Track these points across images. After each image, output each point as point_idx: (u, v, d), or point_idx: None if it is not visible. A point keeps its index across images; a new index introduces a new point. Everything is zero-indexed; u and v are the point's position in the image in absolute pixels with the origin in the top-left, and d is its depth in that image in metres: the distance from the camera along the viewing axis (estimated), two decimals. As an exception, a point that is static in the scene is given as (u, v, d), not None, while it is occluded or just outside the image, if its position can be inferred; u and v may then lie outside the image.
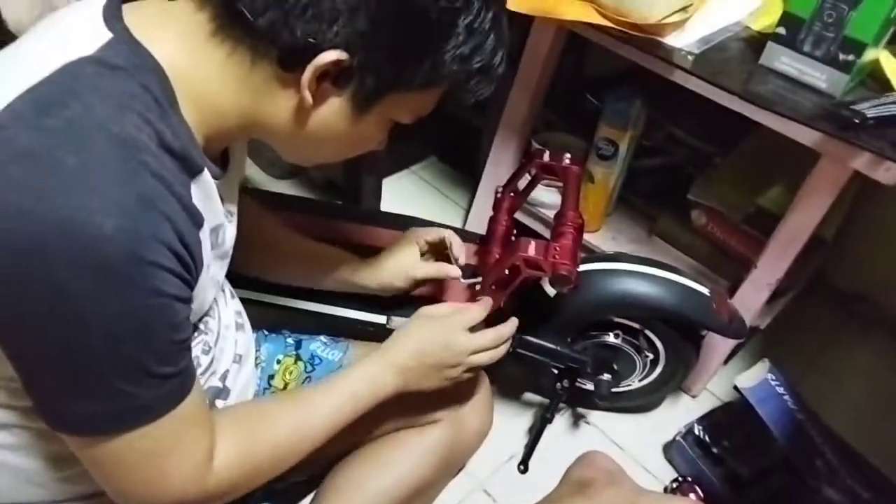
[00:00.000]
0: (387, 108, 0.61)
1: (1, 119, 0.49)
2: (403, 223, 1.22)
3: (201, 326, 0.72)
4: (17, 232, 0.48)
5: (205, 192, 0.59)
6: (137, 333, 0.53)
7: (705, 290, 1.05)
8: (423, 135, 1.77)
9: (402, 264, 0.96)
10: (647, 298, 1.01)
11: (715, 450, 1.15)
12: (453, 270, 0.94)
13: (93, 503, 0.69)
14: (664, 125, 1.41)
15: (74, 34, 0.54)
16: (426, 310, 0.86)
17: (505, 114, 1.35)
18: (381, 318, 1.01)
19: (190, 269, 0.56)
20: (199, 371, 0.68)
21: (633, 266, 1.05)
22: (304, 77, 0.55)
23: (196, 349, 0.71)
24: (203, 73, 0.57)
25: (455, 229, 1.03)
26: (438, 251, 0.98)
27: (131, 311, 0.51)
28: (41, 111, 0.49)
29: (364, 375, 0.78)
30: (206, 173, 0.59)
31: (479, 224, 1.51)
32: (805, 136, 0.93)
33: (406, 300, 1.00)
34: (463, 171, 1.78)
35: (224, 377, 0.78)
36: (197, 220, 0.56)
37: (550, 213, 1.37)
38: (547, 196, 1.35)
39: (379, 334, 0.89)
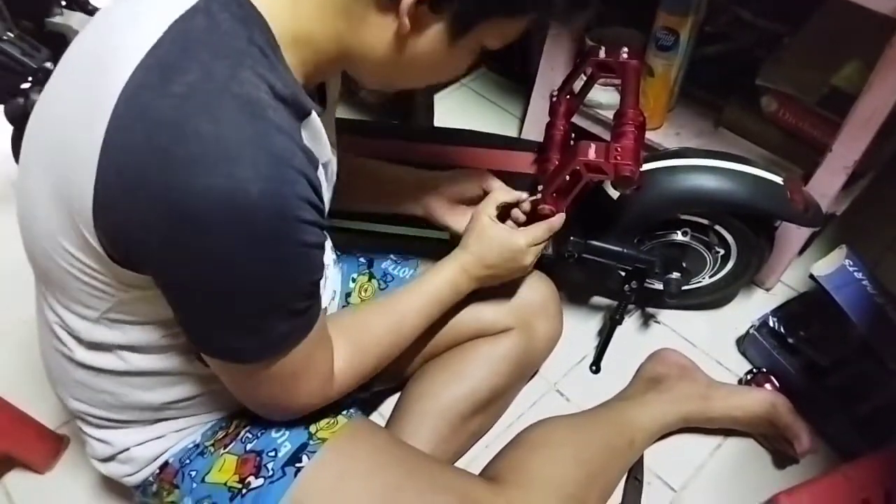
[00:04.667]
0: (480, 34, 0.61)
1: (129, 89, 0.52)
2: (460, 138, 1.21)
3: None
4: (171, 203, 0.51)
5: (313, 132, 0.62)
6: (287, 281, 0.59)
7: (778, 179, 1.01)
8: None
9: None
10: (716, 193, 0.98)
11: (791, 340, 1.13)
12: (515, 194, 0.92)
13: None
14: (727, 7, 1.32)
15: None
16: (483, 216, 0.88)
17: (555, 12, 1.30)
18: (444, 235, 1.03)
19: (322, 213, 0.60)
20: None
21: (700, 160, 1.01)
22: (404, 2, 0.55)
23: None
24: (304, 11, 0.58)
25: (510, 138, 1.01)
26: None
27: (283, 264, 0.57)
28: (163, 78, 0.52)
29: (443, 280, 0.85)
30: (313, 114, 0.61)
31: (535, 132, 1.48)
32: (881, 3, 0.86)
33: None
34: (514, 80, 1.74)
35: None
36: (315, 162, 0.59)
37: (609, 114, 1.33)
38: (604, 96, 1.31)
39: (444, 250, 0.91)
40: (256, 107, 0.53)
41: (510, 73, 1.75)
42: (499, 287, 0.96)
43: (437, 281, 0.85)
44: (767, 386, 1.09)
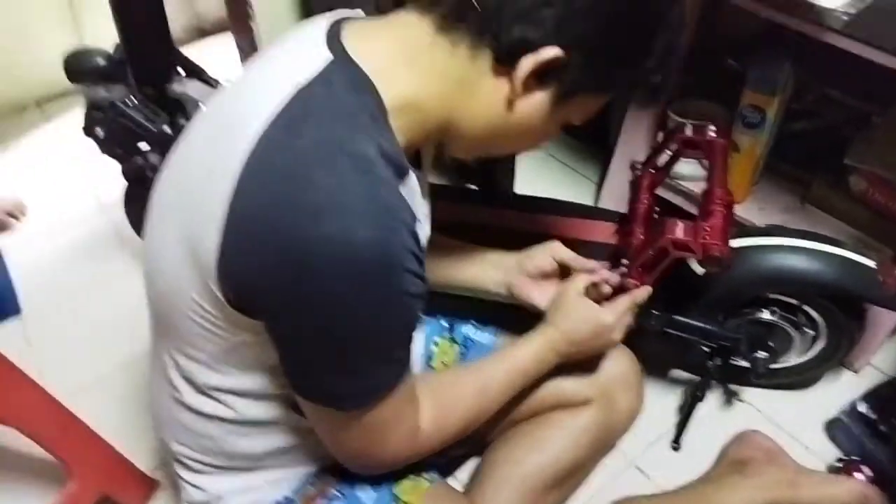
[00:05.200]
0: (573, 107, 0.65)
1: (258, 147, 0.58)
2: (542, 206, 1.24)
3: None
4: (287, 247, 0.56)
5: (410, 192, 0.65)
6: (389, 328, 0.62)
7: (870, 262, 0.99)
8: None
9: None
10: (805, 274, 0.98)
11: (883, 427, 1.09)
12: (590, 263, 0.93)
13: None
14: (815, 86, 1.32)
15: (301, 57, 0.62)
16: (571, 293, 0.88)
17: (639, 86, 1.32)
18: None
19: (423, 265, 0.63)
20: None
21: (789, 240, 1.01)
22: (521, 71, 0.60)
23: None
24: (418, 78, 0.63)
25: (591, 207, 1.03)
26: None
27: (387, 310, 0.60)
28: (290, 135, 0.58)
29: (530, 353, 0.86)
30: (412, 175, 0.66)
31: (612, 201, 1.49)
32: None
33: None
34: (592, 146, 1.76)
35: None
36: (416, 219, 0.63)
37: (692, 186, 1.34)
38: (687, 168, 1.32)
39: (523, 317, 0.92)
40: (367, 163, 0.58)
41: (587, 139, 1.78)
42: (583, 359, 0.97)
43: (524, 354, 0.86)
44: (859, 475, 1.05)
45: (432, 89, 0.63)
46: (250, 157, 0.57)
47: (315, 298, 0.58)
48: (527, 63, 0.59)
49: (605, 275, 0.91)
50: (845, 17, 0.91)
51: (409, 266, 0.59)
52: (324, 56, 0.61)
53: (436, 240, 0.96)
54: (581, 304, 0.88)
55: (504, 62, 0.60)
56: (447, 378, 0.84)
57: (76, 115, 1.28)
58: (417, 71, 0.62)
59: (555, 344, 0.87)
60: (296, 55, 0.63)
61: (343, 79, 0.60)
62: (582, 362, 0.97)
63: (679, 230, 0.89)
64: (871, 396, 1.12)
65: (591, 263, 0.93)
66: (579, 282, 0.89)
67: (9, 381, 0.91)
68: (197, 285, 0.63)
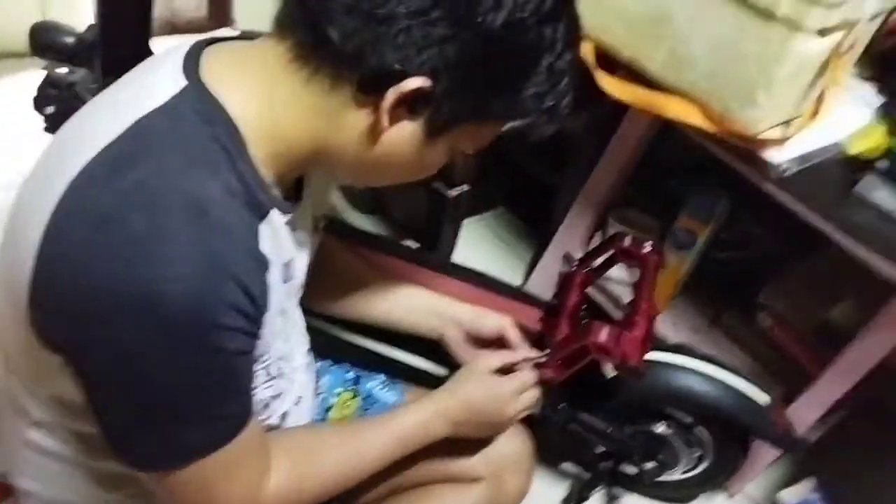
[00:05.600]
0: (455, 137, 0.62)
1: (78, 181, 0.53)
2: (476, 278, 1.25)
3: (274, 371, 0.73)
4: (94, 297, 0.52)
5: (273, 231, 0.61)
6: (199, 387, 0.57)
7: (766, 400, 1.05)
8: (495, 183, 1.81)
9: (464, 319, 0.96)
10: (708, 399, 1.02)
11: (746, 556, 1.14)
12: (522, 351, 0.93)
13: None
14: (742, 220, 1.42)
15: (154, 84, 0.57)
16: (481, 364, 0.88)
17: (587, 186, 1.38)
18: (443, 371, 1.04)
19: (256, 319, 0.58)
20: (262, 411, 0.72)
21: (696, 363, 1.06)
22: (386, 102, 0.56)
23: (266, 392, 0.72)
24: (278, 108, 0.58)
25: (523, 292, 1.05)
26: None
27: (196, 369, 0.55)
28: (113, 173, 0.53)
29: (415, 421, 0.82)
30: (273, 212, 0.60)
31: (540, 286, 1.53)
32: (890, 271, 0.94)
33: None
34: (530, 225, 1.81)
35: (283, 417, 0.79)
36: (265, 265, 0.58)
37: (616, 288, 1.40)
38: (614, 270, 1.37)
39: (436, 385, 0.92)
40: (203, 204, 0.53)
41: (528, 219, 1.82)
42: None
43: (410, 421, 0.81)
44: None
45: (292, 120, 0.59)
46: (67, 192, 0.53)
47: (122, 354, 0.53)
48: (391, 95, 0.55)
49: (524, 355, 0.92)
50: (787, 174, 0.99)
51: (226, 323, 0.54)
52: (178, 83, 0.56)
53: (386, 266, 0.94)
54: (487, 377, 0.87)
55: (367, 93, 0.56)
56: (314, 436, 0.78)
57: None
58: (276, 100, 0.58)
59: (448, 412, 0.84)
60: (148, 80, 0.58)
61: (193, 108, 0.55)
62: (477, 438, 0.97)
63: (603, 335, 0.91)
64: (740, 524, 1.18)
65: (532, 355, 0.92)
66: (495, 360, 0.89)
67: None
68: (14, 314, 0.58)
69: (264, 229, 0.59)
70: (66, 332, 0.55)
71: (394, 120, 0.58)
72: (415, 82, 0.55)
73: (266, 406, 0.74)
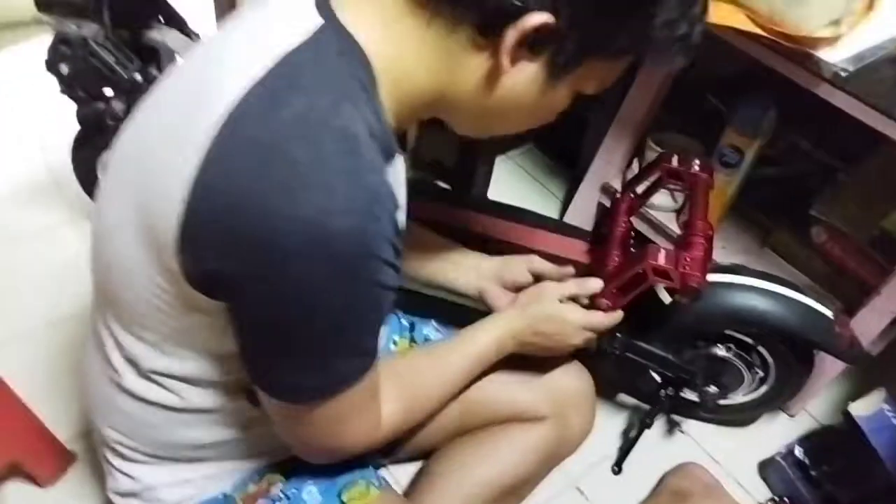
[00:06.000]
0: (579, 76, 0.59)
1: (233, 117, 0.52)
2: (515, 214, 1.22)
3: None
4: (256, 226, 0.51)
5: (395, 175, 0.60)
6: (357, 320, 0.58)
7: (829, 312, 1.02)
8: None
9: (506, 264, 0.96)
10: (770, 316, 0.99)
11: (814, 473, 1.12)
12: (568, 270, 0.95)
13: None
14: (789, 134, 1.36)
15: (289, 20, 0.56)
16: (550, 288, 0.89)
17: (621, 112, 1.33)
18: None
19: (400, 256, 0.59)
20: None
21: (755, 280, 1.02)
22: (505, 42, 0.53)
23: None
24: (401, 51, 0.57)
25: (564, 224, 1.03)
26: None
27: (356, 302, 0.56)
28: (272, 105, 0.52)
29: (489, 340, 0.84)
30: (399, 157, 0.60)
31: (577, 218, 1.50)
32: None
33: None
34: (559, 162, 1.77)
35: None
36: (398, 205, 0.58)
37: (660, 216, 1.36)
38: (658, 197, 1.33)
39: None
40: (353, 142, 0.53)
41: (557, 155, 1.78)
42: (539, 372, 0.96)
43: (484, 341, 0.84)
44: (789, 517, 1.08)
45: (414, 64, 0.57)
46: (223, 127, 0.52)
47: (282, 284, 0.53)
48: (511, 34, 0.53)
49: (589, 285, 0.91)
50: (843, 73, 0.93)
51: (385, 257, 0.55)
52: (314, 21, 0.55)
53: (412, 230, 0.94)
54: (555, 303, 0.87)
55: (486, 34, 0.54)
56: (409, 362, 0.81)
57: (27, 48, 1.17)
58: (401, 43, 0.57)
59: (516, 332, 0.86)
60: (283, 18, 0.58)
61: (333, 46, 0.55)
62: (540, 376, 0.96)
63: (662, 257, 0.88)
64: (807, 442, 1.16)
65: (569, 270, 0.94)
66: (561, 289, 0.89)
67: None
68: (151, 257, 0.58)
69: (389, 172, 0.58)
70: (223, 263, 0.54)
71: (514, 61, 0.56)
72: (536, 18, 0.52)
73: None
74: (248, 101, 0.52)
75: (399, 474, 1.06)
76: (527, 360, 0.97)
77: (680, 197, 1.36)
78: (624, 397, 1.26)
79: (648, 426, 1.12)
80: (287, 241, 0.51)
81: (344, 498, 0.77)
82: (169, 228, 0.54)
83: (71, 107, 1.18)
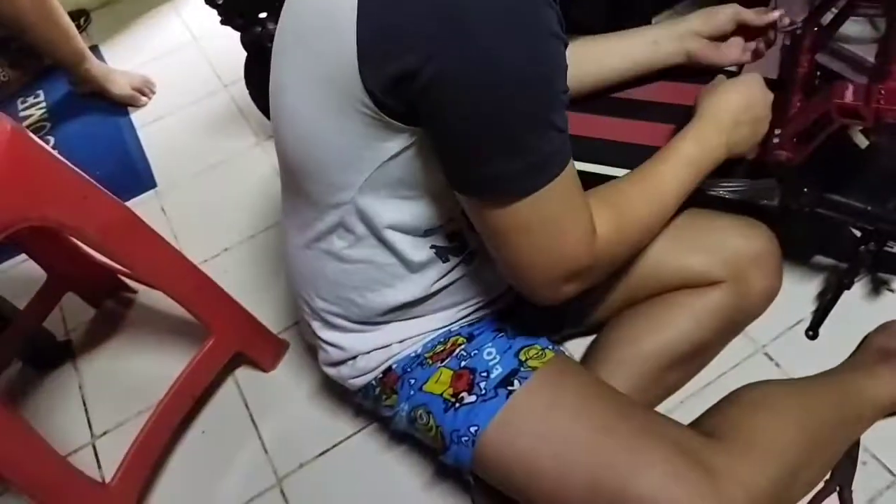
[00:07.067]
0: None
1: None
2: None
3: None
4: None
5: None
6: (542, 77, 0.58)
7: None
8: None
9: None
10: None
11: None
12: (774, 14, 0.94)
13: None
14: None
15: None
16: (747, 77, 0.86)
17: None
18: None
19: (563, 27, 0.59)
20: None
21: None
22: None
23: None
24: None
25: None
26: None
27: (536, 54, 0.57)
28: None
29: (695, 140, 0.80)
30: None
31: (761, 66, 1.34)
32: None
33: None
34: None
35: None
36: None
37: (857, 50, 1.17)
38: (852, 28, 1.15)
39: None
40: None
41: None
42: (711, 235, 0.92)
43: (689, 143, 0.79)
44: None
45: None
46: None
47: (465, 50, 0.54)
48: None
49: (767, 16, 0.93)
50: None
51: (556, 8, 0.57)
52: None
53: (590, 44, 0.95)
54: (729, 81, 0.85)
55: None
56: (617, 186, 0.76)
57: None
58: None
59: (719, 123, 0.81)
60: None
61: None
62: (712, 239, 0.92)
63: (849, 93, 0.78)
64: None
65: (775, 14, 0.93)
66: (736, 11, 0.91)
67: (153, 247, 0.96)
68: (340, 100, 0.62)
69: None
70: (404, 59, 0.56)
71: None
72: None
73: None
74: None
75: (573, 349, 1.09)
76: (697, 224, 0.93)
77: (882, 23, 1.17)
78: (820, 259, 1.16)
79: (847, 287, 1.02)
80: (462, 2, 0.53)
81: (521, 356, 0.80)
82: (348, 50, 0.58)
83: (236, 37, 1.28)
